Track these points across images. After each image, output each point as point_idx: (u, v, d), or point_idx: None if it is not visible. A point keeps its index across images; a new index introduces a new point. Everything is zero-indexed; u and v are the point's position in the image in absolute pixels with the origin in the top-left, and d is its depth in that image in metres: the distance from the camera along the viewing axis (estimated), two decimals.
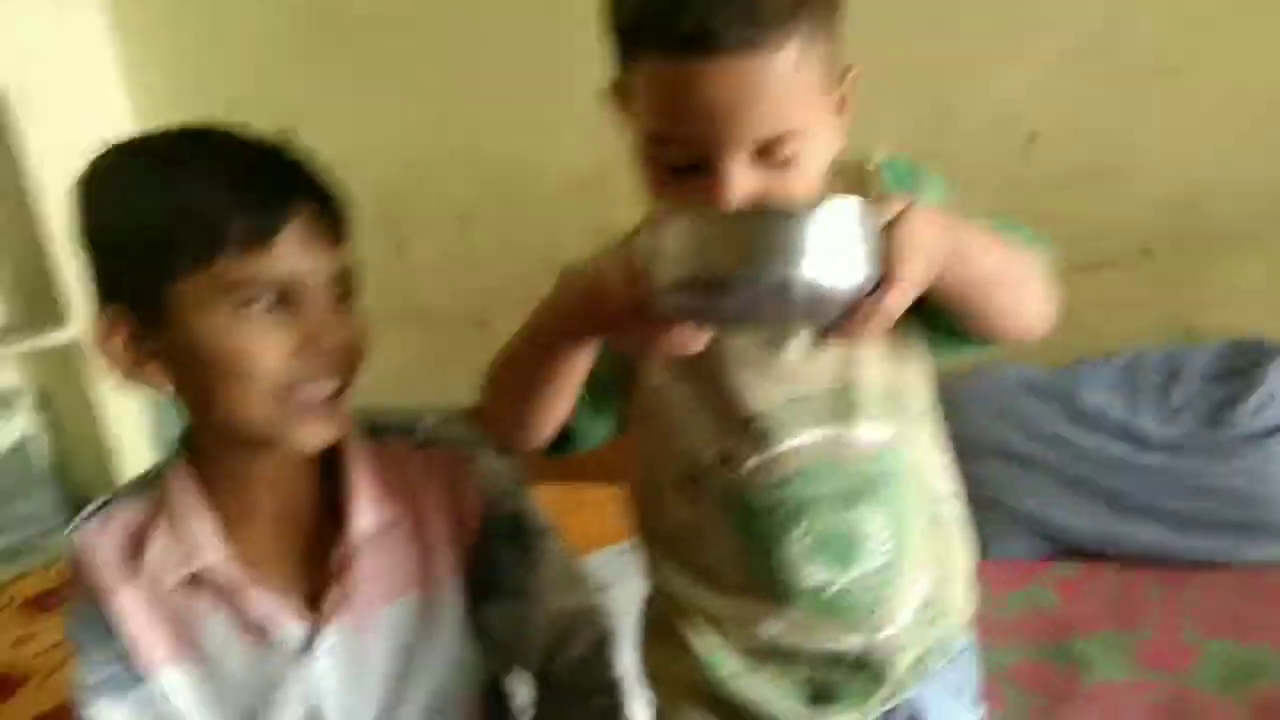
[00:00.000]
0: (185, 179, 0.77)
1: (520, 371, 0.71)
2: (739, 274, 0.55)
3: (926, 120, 1.89)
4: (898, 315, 0.59)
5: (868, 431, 0.72)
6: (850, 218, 0.57)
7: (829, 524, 0.71)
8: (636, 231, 0.63)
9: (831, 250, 0.56)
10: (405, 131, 2.42)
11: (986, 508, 1.69)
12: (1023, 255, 0.71)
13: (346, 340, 0.81)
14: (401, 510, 0.89)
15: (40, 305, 2.66)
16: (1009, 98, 1.84)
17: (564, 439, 0.76)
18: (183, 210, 0.75)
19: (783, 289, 0.55)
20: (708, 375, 0.72)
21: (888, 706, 0.77)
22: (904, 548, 0.73)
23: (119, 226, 0.79)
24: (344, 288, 0.82)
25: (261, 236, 0.75)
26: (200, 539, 0.84)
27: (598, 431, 0.77)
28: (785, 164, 0.62)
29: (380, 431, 0.92)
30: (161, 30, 2.77)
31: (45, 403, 2.82)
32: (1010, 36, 1.81)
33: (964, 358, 0.77)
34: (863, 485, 0.72)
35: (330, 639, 0.86)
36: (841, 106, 0.68)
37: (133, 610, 0.86)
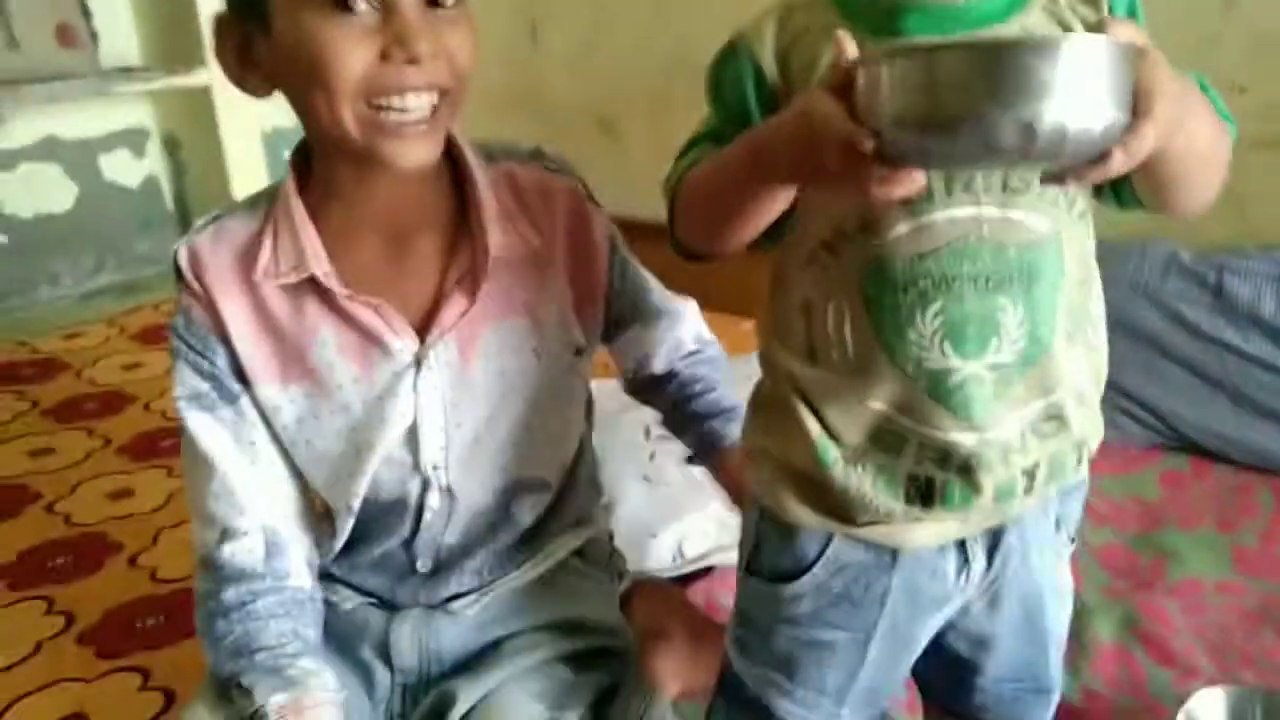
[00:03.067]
0: None
1: (722, 199, 0.68)
2: (981, 114, 0.50)
3: None
4: (1139, 162, 0.54)
5: (1029, 217, 0.66)
6: (1102, 56, 0.51)
7: (966, 308, 0.66)
8: (855, 65, 0.56)
9: (1082, 91, 0.50)
10: None
11: (1106, 387, 1.62)
12: (1225, 132, 0.64)
13: (443, 48, 0.76)
14: (528, 232, 0.88)
15: (176, 46, 2.68)
16: None
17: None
18: None
19: (1027, 131, 0.50)
20: None
21: (991, 523, 0.74)
22: (1037, 350, 0.68)
23: None
24: None
25: None
26: (307, 249, 0.83)
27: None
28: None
29: (497, 156, 0.90)
30: None
31: (174, 144, 2.88)
32: None
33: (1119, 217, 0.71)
34: (1010, 273, 0.66)
35: (438, 354, 0.85)
36: None
37: (241, 323, 0.85)
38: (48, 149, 2.64)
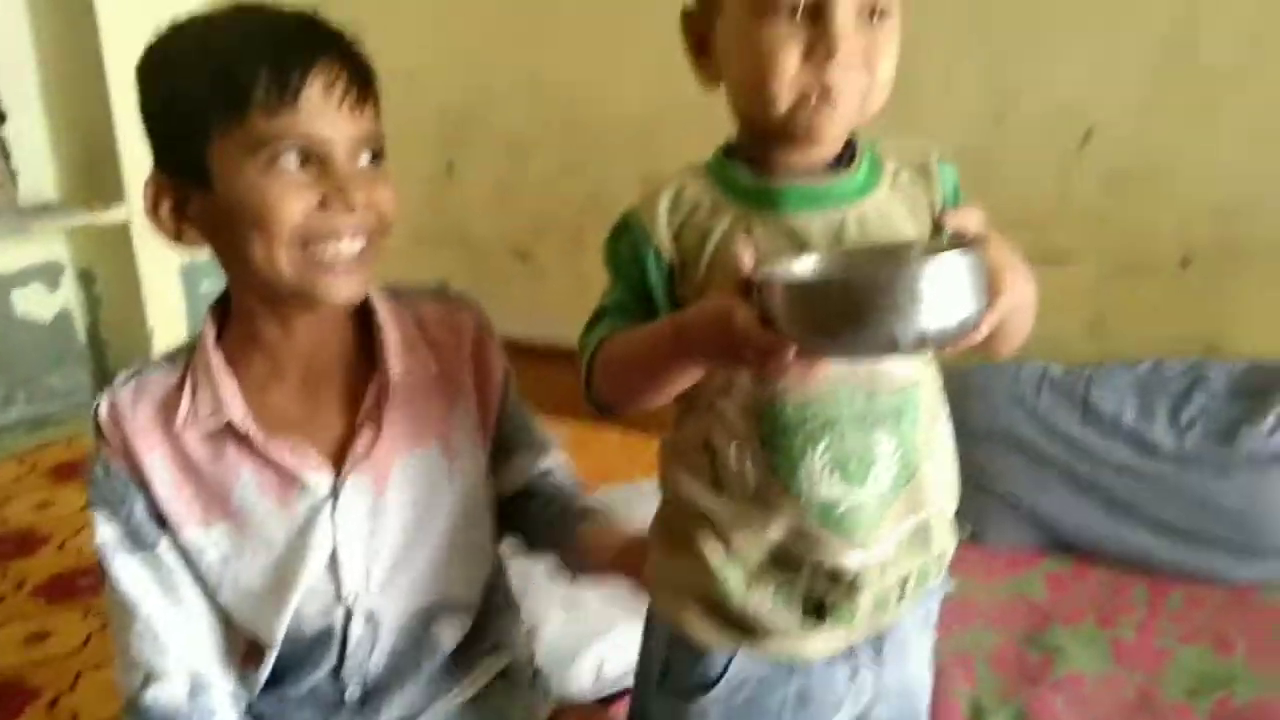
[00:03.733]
0: (220, 43, 0.83)
1: (640, 372, 0.77)
2: (875, 325, 0.61)
3: (988, 104, 1.90)
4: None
5: (895, 367, 0.77)
6: (961, 270, 0.62)
7: (849, 444, 0.76)
8: (754, 276, 0.67)
9: (943, 301, 0.61)
10: (469, 54, 2.44)
11: (988, 494, 1.74)
12: (1032, 285, 0.75)
13: (372, 199, 0.86)
14: (430, 360, 0.95)
15: (95, 182, 2.71)
16: (1070, 91, 1.85)
17: None
18: (215, 71, 0.81)
19: (894, 341, 0.61)
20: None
21: (873, 631, 0.83)
22: (907, 477, 0.78)
23: (164, 95, 0.85)
24: (373, 150, 0.87)
25: (286, 93, 0.80)
26: (225, 395, 0.89)
27: None
28: (877, 29, 0.72)
29: (404, 293, 0.99)
30: None
31: (88, 279, 2.89)
32: (1076, 29, 1.81)
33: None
34: (884, 413, 0.76)
35: (353, 485, 0.91)
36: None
37: (161, 470, 0.90)
38: None
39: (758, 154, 0.78)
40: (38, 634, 1.67)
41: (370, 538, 0.93)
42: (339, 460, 0.92)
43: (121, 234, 2.71)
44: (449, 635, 0.98)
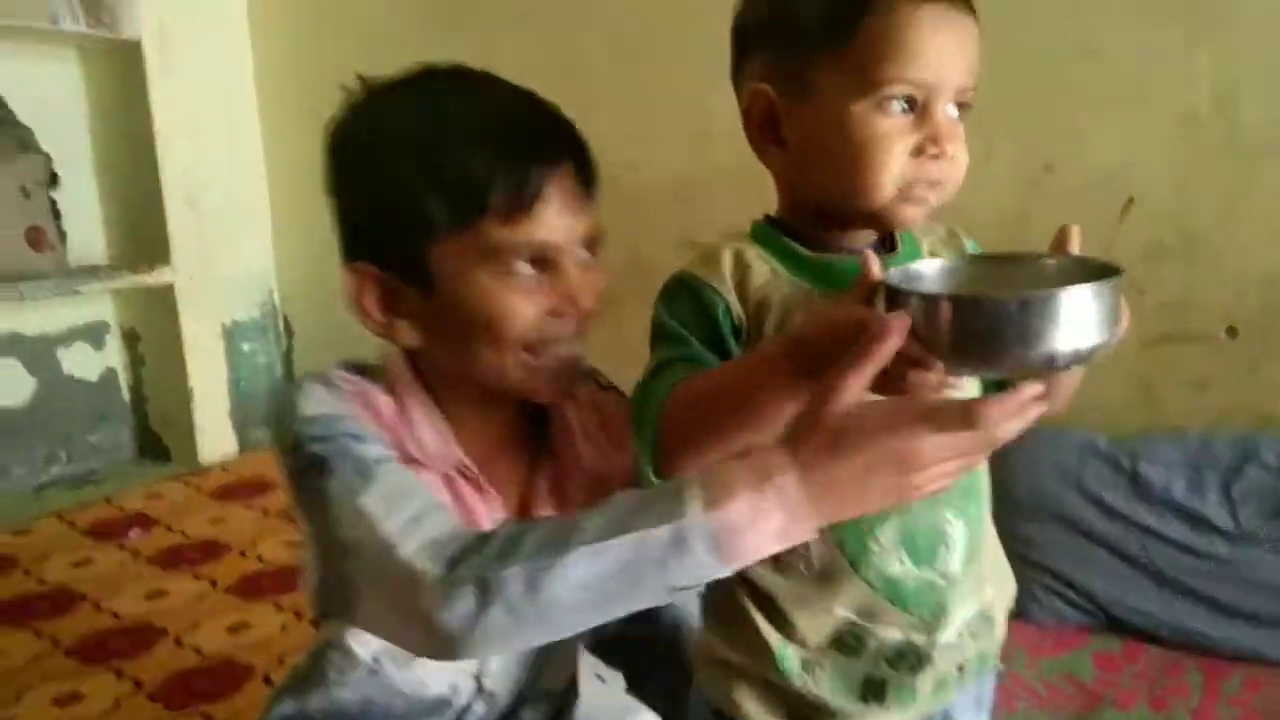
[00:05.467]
0: (442, 137, 0.78)
1: (734, 397, 0.71)
2: (1005, 351, 0.61)
3: (1028, 174, 1.89)
4: None
5: None
6: (1113, 293, 0.62)
7: (918, 521, 0.75)
8: (880, 285, 0.65)
9: (1097, 323, 0.61)
10: None
11: (1035, 570, 1.70)
12: None
13: (593, 295, 0.82)
14: (609, 452, 0.92)
15: (142, 245, 2.78)
16: (1111, 161, 1.83)
17: None
18: (441, 172, 0.76)
19: (1050, 359, 0.61)
20: None
21: (927, 711, 0.81)
22: (974, 558, 0.78)
23: (376, 188, 0.80)
24: (593, 246, 0.84)
25: (524, 204, 0.77)
26: (447, 436, 0.85)
27: None
28: (962, 120, 0.73)
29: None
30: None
31: (133, 339, 2.94)
32: (1117, 101, 1.81)
33: None
34: (952, 493, 0.74)
35: None
36: None
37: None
38: (8, 344, 2.69)
39: (808, 230, 0.77)
40: (70, 695, 1.66)
41: None
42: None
43: (166, 295, 2.77)
44: None
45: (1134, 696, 1.51)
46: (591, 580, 0.65)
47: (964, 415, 0.60)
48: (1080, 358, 0.61)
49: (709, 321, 0.76)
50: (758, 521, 0.63)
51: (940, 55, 0.69)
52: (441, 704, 0.90)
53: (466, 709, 0.91)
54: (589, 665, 1.38)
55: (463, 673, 0.89)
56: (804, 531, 0.64)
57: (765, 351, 0.70)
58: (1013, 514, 1.59)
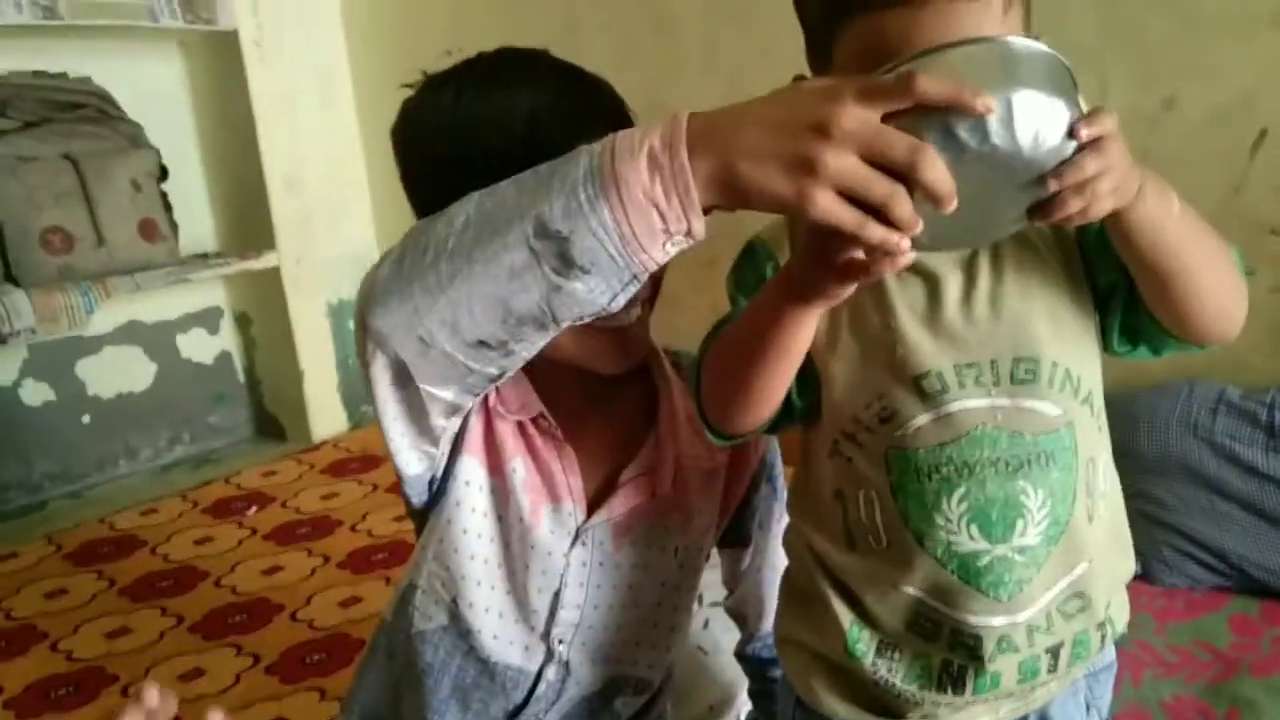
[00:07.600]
0: (503, 136, 0.80)
1: (747, 339, 0.70)
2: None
3: (1148, 110, 1.76)
4: (1103, 210, 0.58)
5: (1040, 405, 0.70)
6: (1039, 55, 0.57)
7: (990, 492, 0.69)
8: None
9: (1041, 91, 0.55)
10: None
11: (1162, 530, 1.60)
12: (1227, 251, 0.68)
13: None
14: (709, 447, 0.92)
15: (249, 232, 2.86)
16: (1240, 90, 1.70)
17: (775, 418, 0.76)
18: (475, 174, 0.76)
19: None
20: (877, 332, 0.72)
21: (1021, 710, 0.76)
22: (1058, 530, 0.71)
23: (424, 184, 0.86)
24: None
25: None
26: (527, 393, 0.89)
27: (803, 407, 0.77)
28: None
29: (682, 363, 0.97)
30: None
31: (245, 322, 3.03)
32: (1246, 22, 1.66)
33: (1163, 356, 0.74)
34: (1028, 458, 0.69)
35: (594, 534, 0.90)
36: None
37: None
38: (129, 332, 2.80)
39: None
40: (192, 671, 1.72)
41: (594, 589, 0.91)
42: (593, 503, 0.91)
43: (274, 279, 2.84)
44: (625, 710, 0.97)
45: (1275, 663, 1.41)
46: (473, 213, 0.66)
47: (898, 81, 0.53)
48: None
49: (760, 281, 0.75)
50: (642, 142, 0.58)
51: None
52: (520, 674, 0.92)
53: (539, 676, 0.92)
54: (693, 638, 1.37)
55: (534, 633, 0.91)
56: (676, 166, 0.57)
57: (767, 286, 0.68)
58: (1137, 471, 1.49)
